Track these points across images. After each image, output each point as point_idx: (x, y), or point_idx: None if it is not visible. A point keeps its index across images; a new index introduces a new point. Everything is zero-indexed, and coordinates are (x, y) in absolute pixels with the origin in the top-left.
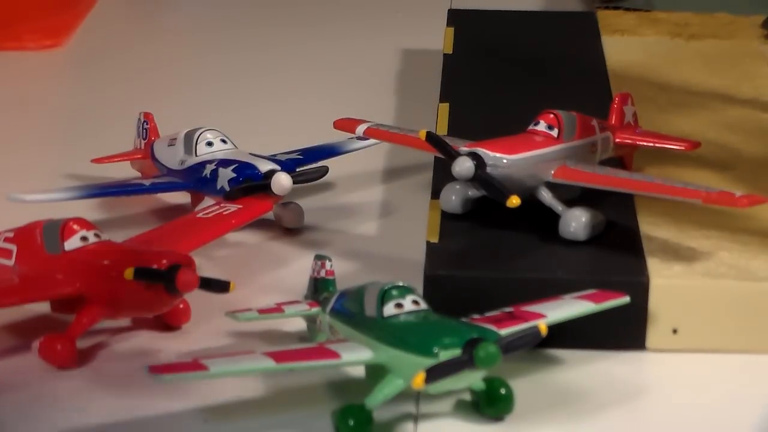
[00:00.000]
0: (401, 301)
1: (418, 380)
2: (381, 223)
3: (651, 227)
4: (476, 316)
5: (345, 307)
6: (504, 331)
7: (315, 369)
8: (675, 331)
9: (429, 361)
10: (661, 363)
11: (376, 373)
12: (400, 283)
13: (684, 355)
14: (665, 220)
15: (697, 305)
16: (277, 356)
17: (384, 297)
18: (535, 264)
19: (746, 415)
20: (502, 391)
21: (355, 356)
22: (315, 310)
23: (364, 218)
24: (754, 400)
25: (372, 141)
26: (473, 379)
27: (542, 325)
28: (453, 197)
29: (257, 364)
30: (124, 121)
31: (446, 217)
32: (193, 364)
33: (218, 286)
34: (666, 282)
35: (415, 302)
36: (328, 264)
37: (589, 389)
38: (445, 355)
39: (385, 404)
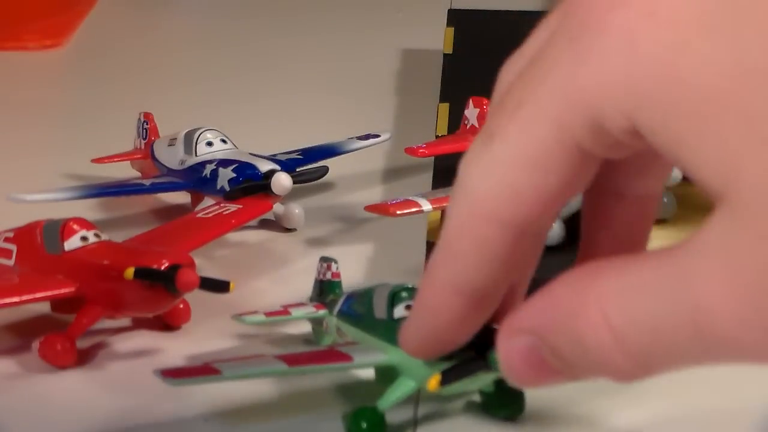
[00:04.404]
0: (411, 303)
1: (434, 383)
2: (381, 223)
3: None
4: None
5: (353, 309)
6: None
7: (328, 372)
8: None
9: (441, 363)
10: None
11: (386, 375)
12: (410, 285)
13: None
14: (665, 220)
15: None
16: (290, 359)
17: (394, 299)
18: None
19: (746, 416)
20: (513, 392)
21: (367, 359)
22: (322, 312)
23: (364, 218)
24: (754, 400)
25: (372, 141)
26: (486, 381)
27: None
28: (554, 225)
29: (270, 368)
30: (124, 121)
31: None
32: (206, 368)
33: (218, 286)
34: None
35: None
36: (334, 266)
37: (589, 389)
38: (459, 356)
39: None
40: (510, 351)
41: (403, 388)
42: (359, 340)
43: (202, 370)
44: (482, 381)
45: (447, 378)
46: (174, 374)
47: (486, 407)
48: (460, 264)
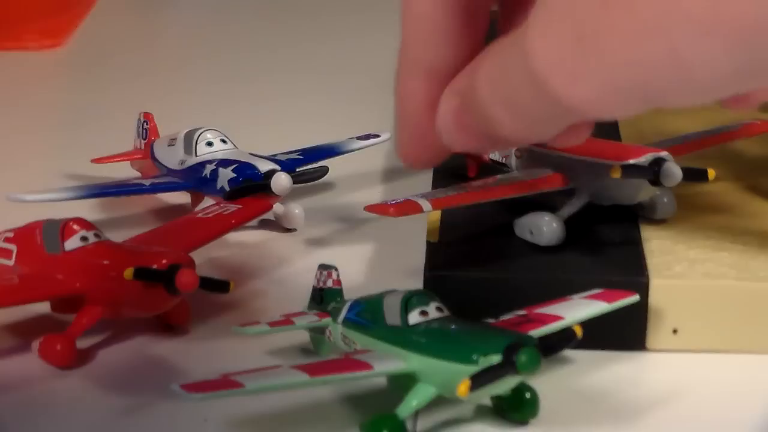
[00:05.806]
0: (425, 308)
1: (463, 388)
2: (381, 223)
3: (651, 227)
4: (491, 321)
5: (361, 316)
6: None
7: (348, 381)
8: (675, 332)
9: (467, 369)
10: (661, 363)
11: (400, 382)
12: (421, 291)
13: (684, 356)
14: (665, 220)
15: (697, 305)
16: (310, 369)
17: (407, 305)
18: (535, 264)
19: (746, 415)
20: (527, 395)
21: (387, 366)
22: (325, 320)
23: (364, 218)
24: (754, 400)
25: (372, 141)
26: (510, 385)
27: (577, 327)
28: (553, 225)
29: (291, 379)
30: (124, 121)
31: (446, 217)
32: (227, 382)
33: (218, 286)
34: (666, 282)
35: (439, 309)
36: (334, 274)
37: (589, 390)
38: (485, 361)
39: (382, 404)
40: (445, 112)
41: (422, 394)
42: (371, 348)
43: (223, 383)
44: (507, 385)
45: (477, 383)
46: (194, 388)
47: (499, 410)
48: (419, 46)
